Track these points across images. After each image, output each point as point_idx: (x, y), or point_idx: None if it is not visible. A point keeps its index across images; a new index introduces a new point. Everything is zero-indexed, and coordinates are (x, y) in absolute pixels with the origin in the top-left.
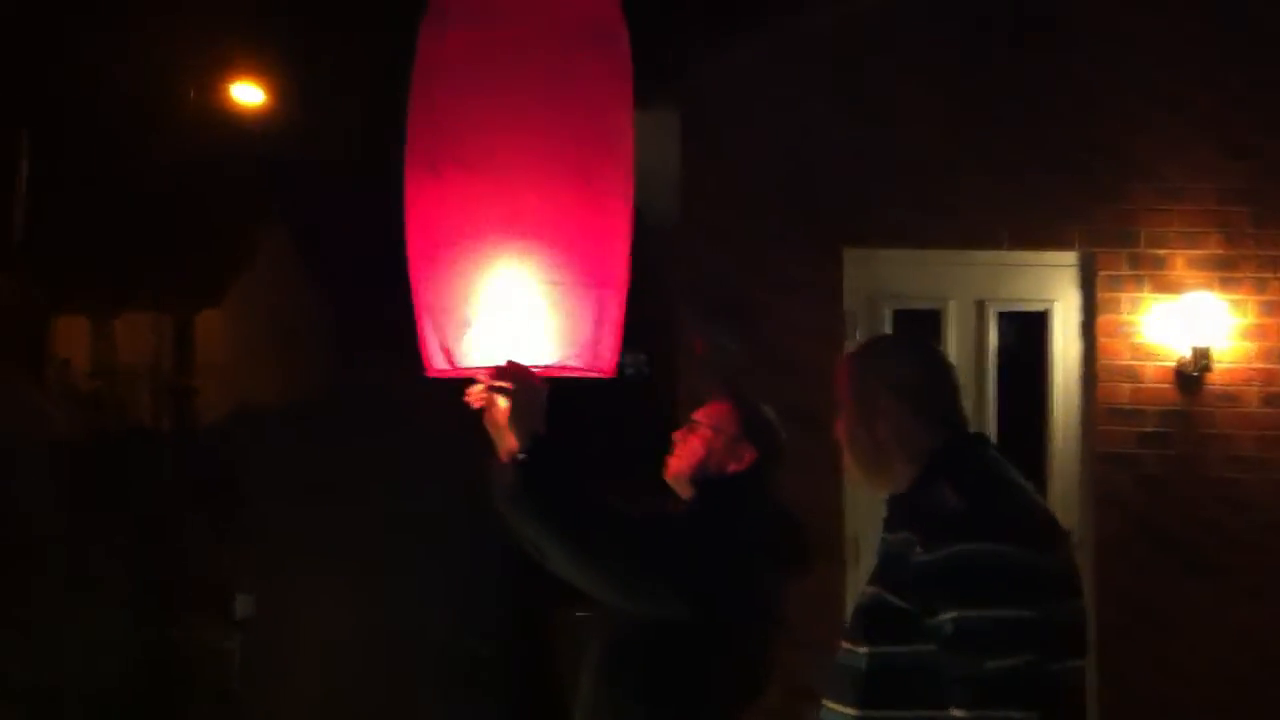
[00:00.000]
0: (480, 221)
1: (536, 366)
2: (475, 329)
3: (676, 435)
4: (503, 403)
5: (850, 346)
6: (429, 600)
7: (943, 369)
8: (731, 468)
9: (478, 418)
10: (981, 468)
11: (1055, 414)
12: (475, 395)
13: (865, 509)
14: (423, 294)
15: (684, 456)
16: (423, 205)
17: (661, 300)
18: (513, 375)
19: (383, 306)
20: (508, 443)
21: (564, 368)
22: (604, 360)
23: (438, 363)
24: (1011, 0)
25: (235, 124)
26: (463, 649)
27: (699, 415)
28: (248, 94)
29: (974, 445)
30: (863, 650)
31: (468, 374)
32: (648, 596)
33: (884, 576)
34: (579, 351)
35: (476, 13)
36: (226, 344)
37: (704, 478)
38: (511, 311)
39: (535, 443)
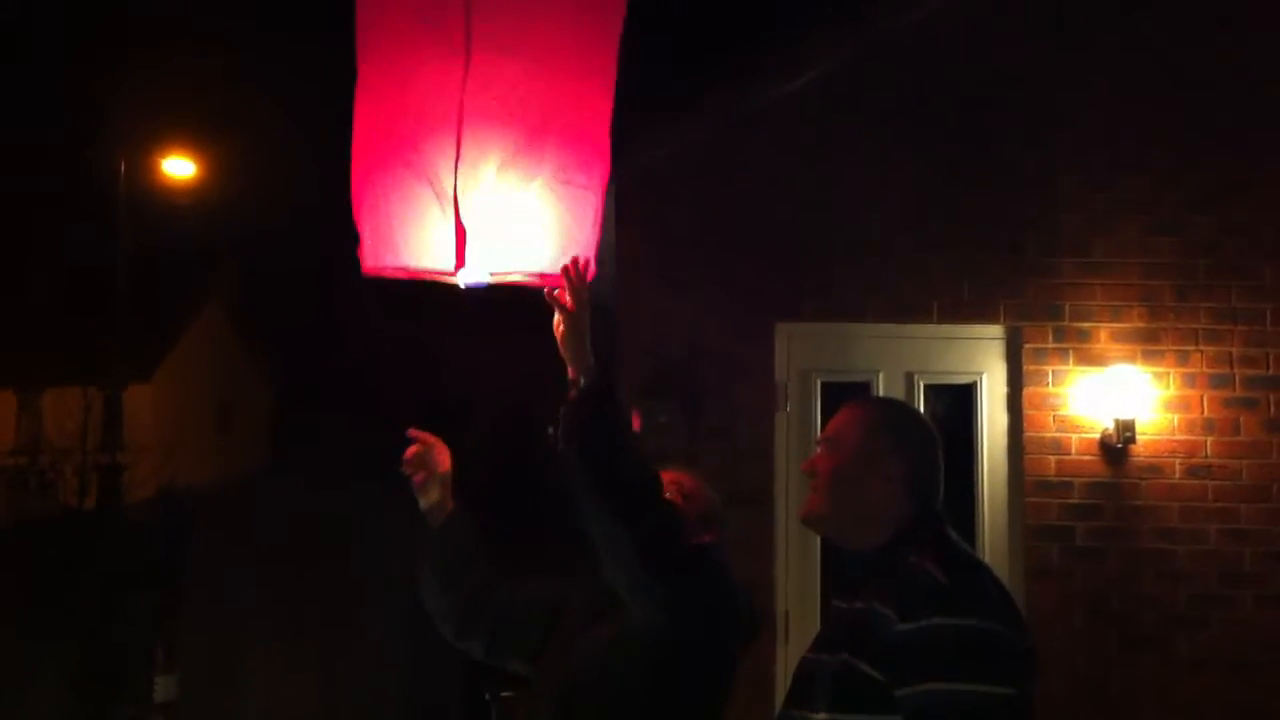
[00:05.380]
0: (505, 108)
1: (530, 273)
2: (475, 228)
3: None
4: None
5: (781, 419)
6: (368, 680)
7: (939, 447)
8: (704, 538)
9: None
10: (950, 543)
11: (984, 486)
12: (410, 459)
13: (797, 584)
14: (390, 184)
15: None
16: (410, 86)
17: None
18: (575, 286)
19: (321, 384)
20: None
21: (547, 277)
22: (590, 270)
23: (395, 260)
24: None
25: (169, 198)
26: None
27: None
28: (181, 168)
29: (939, 520)
30: (820, 718)
31: (414, 275)
32: (638, 587)
33: (851, 645)
34: (574, 251)
35: None
36: (156, 421)
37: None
38: (520, 210)
39: (590, 370)
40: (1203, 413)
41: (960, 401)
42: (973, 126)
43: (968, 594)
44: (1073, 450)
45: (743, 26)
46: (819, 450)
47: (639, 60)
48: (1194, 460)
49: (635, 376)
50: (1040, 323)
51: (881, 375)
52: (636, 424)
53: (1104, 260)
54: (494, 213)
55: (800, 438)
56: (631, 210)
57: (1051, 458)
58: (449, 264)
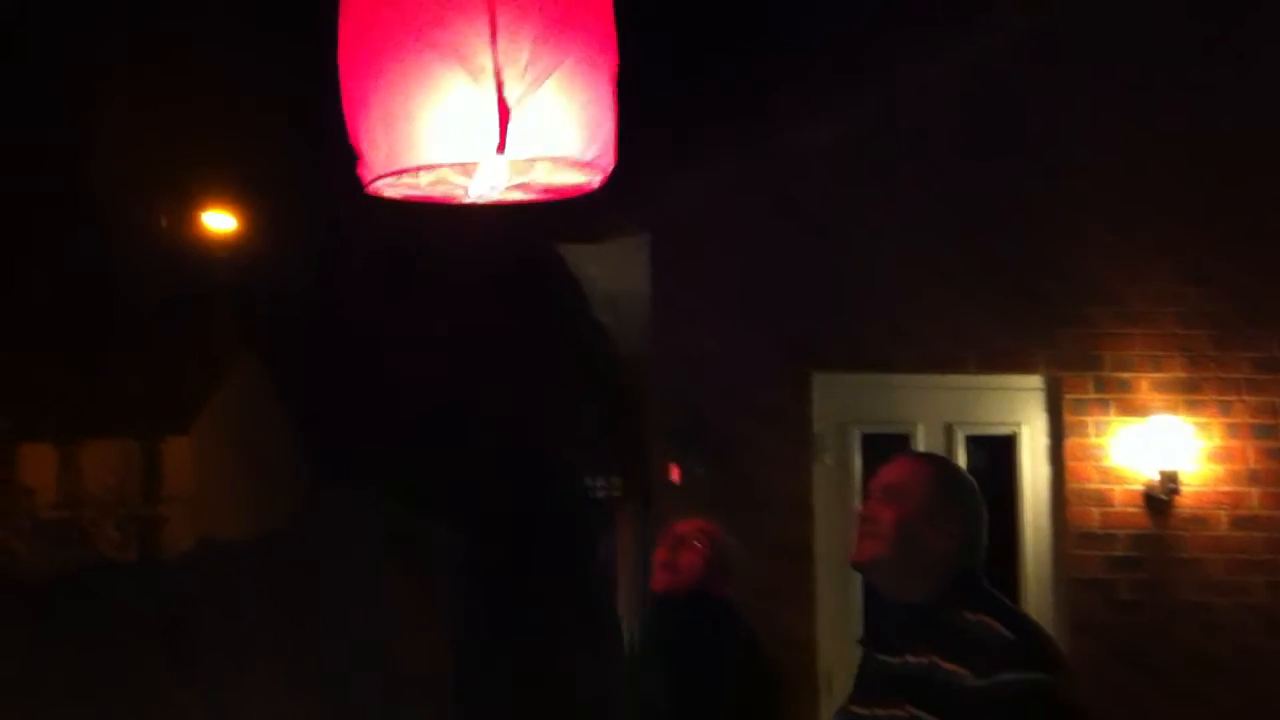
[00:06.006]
0: None
1: (546, 159)
2: (515, 105)
3: (660, 552)
4: None
5: (820, 471)
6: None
7: (984, 505)
8: (720, 589)
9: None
10: (999, 599)
11: (1026, 539)
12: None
13: (838, 639)
14: (408, 71)
15: (685, 571)
16: None
17: (634, 426)
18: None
19: (351, 434)
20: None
21: (551, 189)
22: (610, 160)
23: (415, 157)
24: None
25: (207, 253)
26: None
27: (688, 530)
28: (220, 222)
29: (981, 576)
30: None
31: (425, 193)
32: None
33: (915, 700)
34: (604, 148)
35: None
36: (194, 472)
37: (697, 596)
38: (552, 92)
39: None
40: (1247, 464)
41: (1001, 452)
42: (1003, 173)
43: (1033, 649)
44: (1116, 502)
45: (778, 71)
46: (875, 497)
47: (674, 100)
48: (1240, 512)
49: (670, 423)
50: (1079, 372)
51: (921, 427)
52: (675, 475)
53: (1140, 309)
54: (531, 91)
55: (840, 490)
56: (666, 263)
57: (1095, 509)
58: (485, 149)
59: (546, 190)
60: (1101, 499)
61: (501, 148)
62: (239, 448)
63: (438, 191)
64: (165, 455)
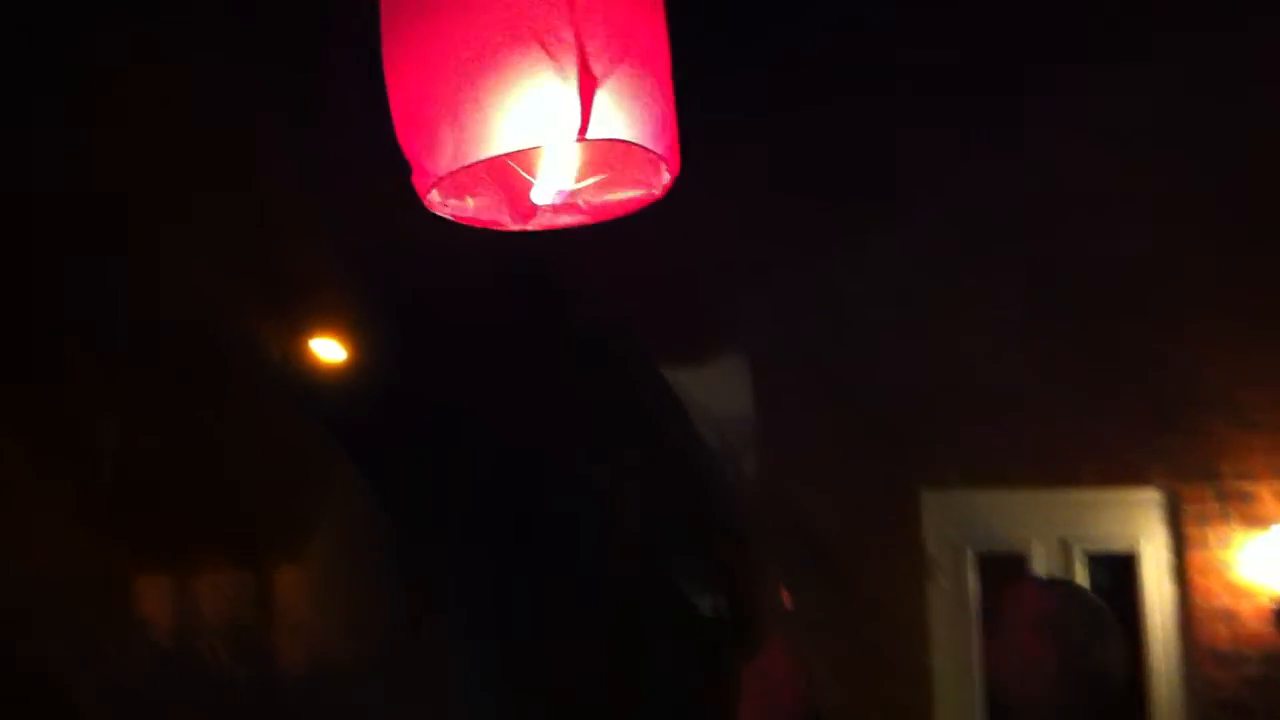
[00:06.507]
0: None
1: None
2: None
3: (751, 683)
4: None
5: (936, 590)
6: None
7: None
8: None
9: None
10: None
11: (1155, 659)
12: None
13: None
14: (476, 58)
15: (782, 702)
16: None
17: (742, 548)
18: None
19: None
20: None
21: (641, 150)
22: (676, 163)
23: (486, 145)
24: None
25: (316, 380)
26: None
27: (781, 660)
28: (329, 351)
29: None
30: None
31: (489, 201)
32: None
33: None
34: (671, 144)
35: None
36: (306, 597)
37: None
38: (622, 78)
39: None
40: None
41: (1121, 568)
42: (1109, 280)
43: None
44: (1246, 619)
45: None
46: (1032, 631)
47: (755, 229)
48: None
49: (779, 545)
50: (1198, 483)
51: (1036, 544)
52: (786, 600)
53: (1258, 418)
54: (610, 71)
55: (957, 613)
56: (769, 369)
57: (1224, 627)
58: (565, 132)
59: (599, 209)
60: (1230, 616)
61: (584, 129)
62: (346, 570)
63: (485, 216)
64: (277, 583)
